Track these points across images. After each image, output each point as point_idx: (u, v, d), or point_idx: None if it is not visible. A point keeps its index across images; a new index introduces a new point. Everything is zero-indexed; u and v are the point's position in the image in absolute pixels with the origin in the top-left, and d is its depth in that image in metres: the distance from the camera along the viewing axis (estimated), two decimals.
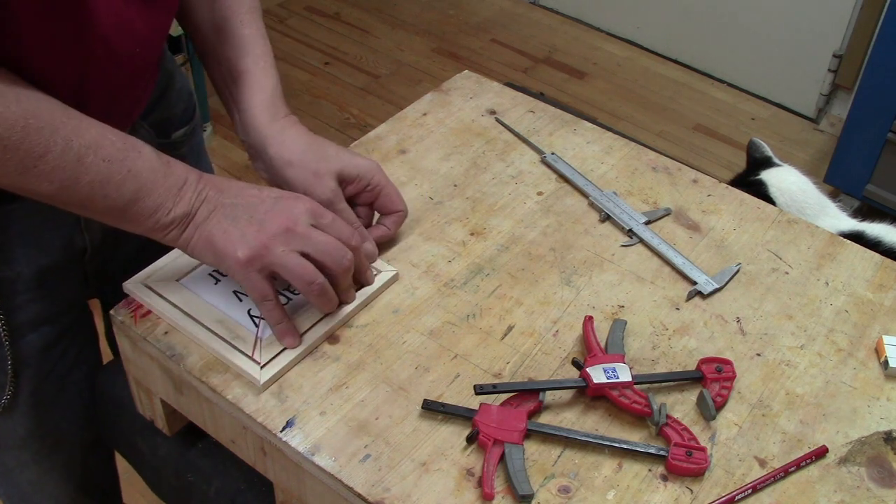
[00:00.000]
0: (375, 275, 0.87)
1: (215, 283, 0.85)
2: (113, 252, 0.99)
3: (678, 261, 0.92)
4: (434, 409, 0.76)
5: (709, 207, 1.00)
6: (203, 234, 0.76)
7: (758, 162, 1.32)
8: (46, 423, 1.00)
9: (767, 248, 0.95)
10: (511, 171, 1.03)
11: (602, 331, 0.84)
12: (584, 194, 1.00)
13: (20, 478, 1.04)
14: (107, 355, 1.19)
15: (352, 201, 0.89)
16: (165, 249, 1.03)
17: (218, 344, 0.79)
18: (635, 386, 0.78)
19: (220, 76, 0.93)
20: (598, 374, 0.77)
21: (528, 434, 0.75)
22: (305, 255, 0.77)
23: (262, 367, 0.77)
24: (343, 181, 0.87)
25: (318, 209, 0.79)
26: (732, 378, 0.80)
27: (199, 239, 0.77)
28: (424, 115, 1.10)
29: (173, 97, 1.02)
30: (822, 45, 2.61)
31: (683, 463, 0.73)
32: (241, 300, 0.84)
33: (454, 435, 0.75)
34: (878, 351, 0.85)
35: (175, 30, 2.09)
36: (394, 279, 0.88)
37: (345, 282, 0.81)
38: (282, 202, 0.78)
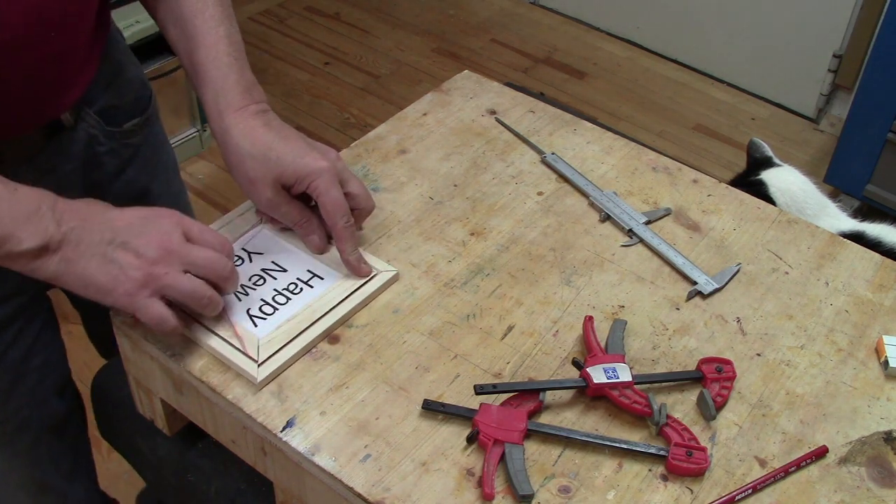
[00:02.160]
0: (375, 275, 0.87)
1: None
2: None
3: (678, 261, 0.92)
4: (434, 409, 0.76)
5: (709, 207, 1.00)
6: (77, 271, 0.74)
7: (758, 162, 1.32)
8: (5, 409, 1.00)
9: (767, 248, 0.95)
10: (511, 171, 1.03)
11: (602, 331, 0.84)
12: (584, 194, 1.00)
13: None
14: (96, 357, 1.20)
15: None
16: None
17: (216, 342, 0.79)
18: (635, 386, 0.78)
19: (186, 72, 0.92)
20: (598, 374, 0.77)
21: (528, 434, 0.75)
22: (187, 271, 0.76)
23: (259, 365, 0.77)
24: (284, 186, 0.85)
25: (184, 222, 0.77)
26: (732, 378, 0.80)
27: (72, 276, 0.74)
28: (424, 115, 1.10)
29: (122, 87, 1.01)
30: (822, 45, 2.60)
31: (683, 463, 0.73)
32: (239, 299, 0.84)
33: (454, 435, 0.75)
34: (878, 351, 0.85)
35: None
36: (394, 279, 0.88)
37: (231, 288, 0.80)
38: (149, 222, 0.76)
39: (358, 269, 0.86)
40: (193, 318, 0.81)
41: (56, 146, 0.93)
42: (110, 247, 0.74)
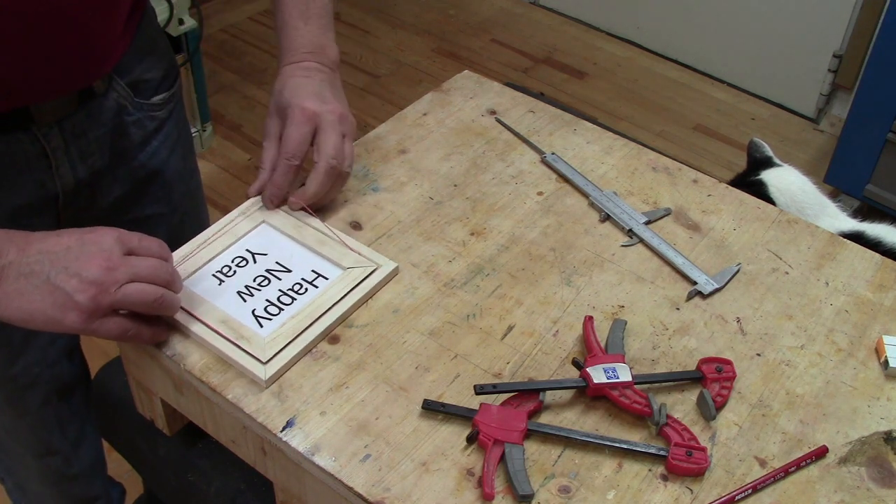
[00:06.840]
0: (374, 269, 0.87)
1: (219, 284, 0.85)
2: (89, 203, 1.00)
3: (678, 261, 0.92)
4: (434, 409, 0.76)
5: (709, 207, 1.00)
6: (21, 305, 0.72)
7: (758, 162, 1.32)
8: (17, 364, 1.01)
9: (767, 248, 0.95)
10: (511, 171, 1.03)
11: (602, 331, 0.84)
12: (584, 194, 1.00)
13: None
14: (96, 357, 1.20)
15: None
16: (143, 203, 1.06)
17: (222, 344, 0.79)
18: (635, 386, 0.78)
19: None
20: (598, 374, 0.78)
21: (528, 434, 0.75)
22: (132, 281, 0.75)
23: (265, 364, 0.77)
24: (279, 108, 0.92)
25: (123, 235, 0.77)
26: (732, 378, 0.80)
27: (12, 311, 0.72)
28: (424, 115, 1.10)
29: (154, 62, 1.04)
30: (822, 45, 2.60)
31: (683, 463, 0.73)
32: (245, 300, 0.84)
33: (454, 435, 0.75)
34: (878, 351, 0.85)
35: (175, 30, 2.09)
36: (394, 272, 0.88)
37: (176, 290, 0.79)
38: (86, 241, 0.74)
39: (270, 197, 0.91)
40: (198, 318, 0.81)
41: (85, 112, 0.95)
42: (52, 274, 0.72)
